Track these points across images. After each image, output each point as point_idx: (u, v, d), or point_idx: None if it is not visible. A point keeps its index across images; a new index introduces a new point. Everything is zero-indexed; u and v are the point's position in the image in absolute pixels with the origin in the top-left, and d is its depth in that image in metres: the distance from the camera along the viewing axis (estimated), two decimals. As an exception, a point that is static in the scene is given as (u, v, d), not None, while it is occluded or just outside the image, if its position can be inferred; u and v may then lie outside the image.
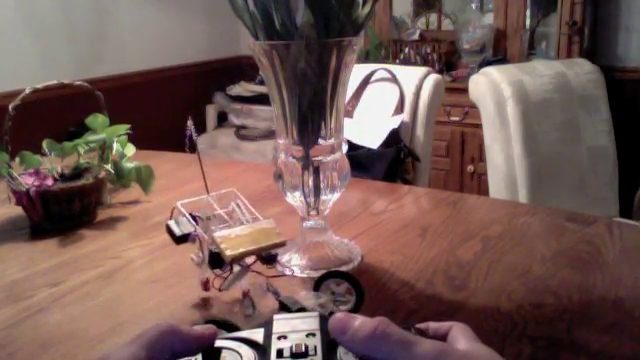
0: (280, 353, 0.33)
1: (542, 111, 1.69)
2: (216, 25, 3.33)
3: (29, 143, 0.98)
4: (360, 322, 0.33)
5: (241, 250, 0.60)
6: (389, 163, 1.54)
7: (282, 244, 0.63)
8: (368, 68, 1.74)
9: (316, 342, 0.33)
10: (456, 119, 2.59)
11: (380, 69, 1.73)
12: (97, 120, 0.99)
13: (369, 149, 1.58)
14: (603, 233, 0.82)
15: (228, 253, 0.59)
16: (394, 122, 1.61)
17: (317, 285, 0.56)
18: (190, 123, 0.67)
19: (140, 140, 1.07)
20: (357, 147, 1.57)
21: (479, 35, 2.73)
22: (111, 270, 0.76)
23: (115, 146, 1.01)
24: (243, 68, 3.32)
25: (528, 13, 2.70)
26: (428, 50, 2.86)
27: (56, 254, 0.82)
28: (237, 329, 0.39)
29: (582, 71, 1.81)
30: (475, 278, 0.70)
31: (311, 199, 0.73)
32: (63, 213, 0.90)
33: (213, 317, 0.44)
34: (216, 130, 3.25)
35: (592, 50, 2.58)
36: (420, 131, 1.66)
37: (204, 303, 0.66)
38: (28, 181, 0.90)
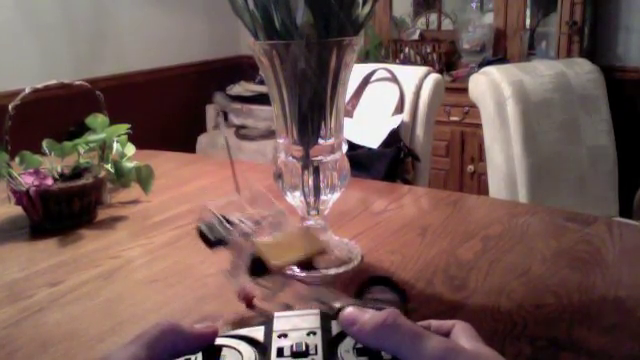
0: (280, 352, 0.33)
1: (542, 111, 1.69)
2: (216, 25, 3.33)
3: (29, 143, 0.98)
4: (370, 315, 0.33)
5: (286, 259, 0.57)
6: (389, 163, 1.54)
7: (324, 251, 0.61)
8: (368, 68, 1.74)
9: (317, 341, 0.33)
10: (456, 119, 2.59)
11: (380, 69, 1.73)
12: (97, 120, 0.99)
13: (369, 149, 1.58)
14: (603, 233, 0.82)
15: (274, 263, 0.56)
16: (394, 122, 1.61)
17: (359, 292, 0.54)
18: (223, 127, 0.62)
19: (140, 140, 1.07)
20: (357, 147, 1.57)
21: (479, 35, 2.74)
22: (111, 270, 0.76)
23: (115, 146, 1.01)
24: (243, 68, 3.32)
25: (528, 13, 2.70)
26: (428, 50, 2.86)
27: (56, 254, 0.82)
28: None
29: (582, 71, 1.81)
30: (475, 278, 0.70)
31: (311, 199, 0.73)
32: (63, 213, 0.90)
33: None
34: (216, 130, 3.25)
35: (592, 50, 2.58)
36: (420, 131, 1.66)
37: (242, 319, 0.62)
38: (28, 181, 0.90)
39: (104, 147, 0.99)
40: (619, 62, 2.60)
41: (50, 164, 0.94)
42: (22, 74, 2.38)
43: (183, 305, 0.66)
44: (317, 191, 0.72)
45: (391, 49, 2.94)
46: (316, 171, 0.71)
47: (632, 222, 1.51)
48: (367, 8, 0.67)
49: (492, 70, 1.73)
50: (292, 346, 0.33)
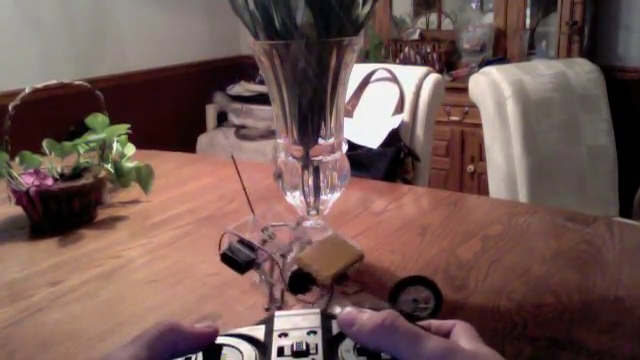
0: (281, 351, 0.33)
1: (542, 111, 1.69)
2: (216, 25, 3.33)
3: (29, 143, 0.98)
4: (368, 315, 0.33)
5: (336, 269, 0.55)
6: (389, 163, 1.54)
7: (362, 257, 0.60)
8: (368, 68, 1.74)
9: (317, 340, 0.33)
10: (456, 119, 2.59)
11: (380, 69, 1.73)
12: (97, 120, 0.99)
13: (369, 149, 1.58)
14: (603, 233, 0.82)
15: (326, 274, 0.54)
16: (394, 122, 1.61)
17: (395, 293, 0.53)
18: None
19: (140, 140, 1.07)
20: (357, 147, 1.57)
21: (479, 35, 2.73)
22: (111, 270, 0.76)
23: (115, 146, 1.01)
24: (243, 68, 3.31)
25: (528, 13, 2.70)
26: (428, 50, 2.85)
27: (56, 254, 0.82)
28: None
29: (582, 71, 1.81)
30: (475, 278, 0.70)
31: (311, 199, 0.73)
32: (63, 213, 0.90)
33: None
34: (216, 130, 3.25)
35: (592, 50, 2.58)
36: (420, 131, 1.66)
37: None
38: (28, 181, 0.90)
39: (104, 147, 0.99)
40: (619, 62, 2.60)
41: (50, 164, 0.94)
42: (22, 74, 2.38)
43: (183, 305, 0.66)
44: (317, 191, 0.72)
45: (391, 49, 2.94)
46: (316, 171, 0.71)
47: (632, 222, 1.51)
48: (367, 8, 0.67)
49: (492, 70, 1.73)
50: (292, 345, 0.33)
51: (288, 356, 0.32)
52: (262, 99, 2.90)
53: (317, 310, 0.37)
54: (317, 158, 0.71)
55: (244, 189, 0.62)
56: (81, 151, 0.97)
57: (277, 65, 0.66)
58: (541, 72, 1.76)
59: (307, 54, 0.64)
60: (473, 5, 2.98)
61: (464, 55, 2.81)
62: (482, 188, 2.43)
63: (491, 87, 1.68)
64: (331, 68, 0.67)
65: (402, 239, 0.83)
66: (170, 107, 3.16)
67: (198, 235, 0.87)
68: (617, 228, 0.84)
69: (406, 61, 2.86)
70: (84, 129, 1.00)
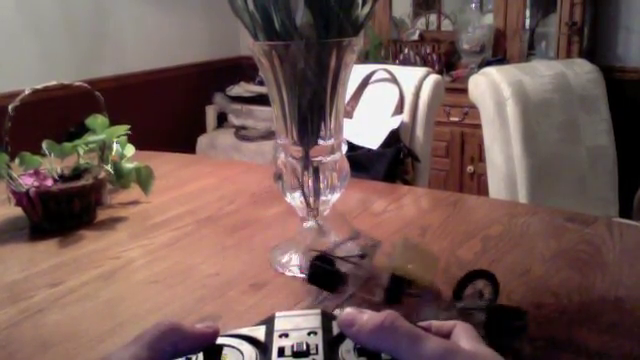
0: (281, 351, 0.33)
1: (542, 111, 1.69)
2: (216, 25, 3.33)
3: (29, 144, 0.98)
4: (368, 316, 0.33)
5: (430, 275, 0.56)
6: (389, 163, 1.54)
7: (437, 259, 0.61)
8: (368, 68, 1.74)
9: (317, 340, 0.33)
10: (456, 119, 2.59)
11: (380, 69, 1.73)
12: (97, 121, 0.99)
13: (369, 149, 1.58)
14: (603, 233, 0.82)
15: (429, 279, 0.55)
16: (394, 122, 1.61)
17: (460, 289, 0.54)
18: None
19: (140, 141, 1.07)
20: (357, 147, 1.57)
21: (479, 35, 2.74)
22: (111, 270, 0.76)
23: (115, 147, 1.01)
24: (243, 68, 3.32)
25: (528, 13, 2.70)
26: (428, 50, 2.86)
27: (56, 254, 0.82)
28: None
29: (582, 71, 1.81)
30: (475, 278, 0.70)
31: (311, 200, 0.73)
32: (63, 214, 0.90)
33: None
34: (216, 130, 3.25)
35: (592, 50, 2.58)
36: (420, 131, 1.66)
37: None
38: (28, 182, 0.90)
39: (104, 148, 0.99)
40: (619, 62, 2.61)
41: (50, 165, 0.94)
42: (22, 75, 2.38)
43: (183, 306, 0.66)
44: (317, 192, 0.72)
45: (391, 50, 2.94)
46: (316, 172, 0.71)
47: (632, 222, 1.51)
48: (367, 8, 0.67)
49: (492, 70, 1.73)
50: (293, 346, 0.33)
51: (288, 356, 0.32)
52: (262, 100, 2.90)
53: (317, 311, 0.37)
54: (317, 159, 0.71)
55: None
56: (81, 152, 0.97)
57: (277, 66, 0.66)
58: (541, 73, 1.76)
59: (307, 55, 0.64)
60: (473, 6, 2.98)
61: (464, 56, 2.81)
62: (482, 189, 2.43)
63: (491, 88, 1.68)
64: (331, 69, 0.67)
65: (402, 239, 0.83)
66: (170, 108, 3.16)
67: (198, 236, 0.87)
68: (617, 228, 0.84)
69: (406, 62, 2.86)
70: (84, 130, 1.00)
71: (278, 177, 0.73)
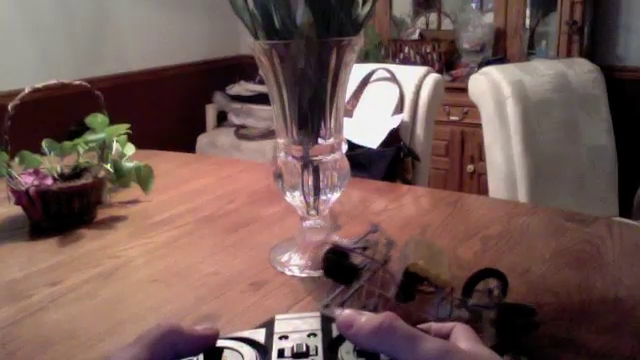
0: (281, 353, 0.33)
1: (542, 111, 1.69)
2: (216, 24, 3.33)
3: (29, 142, 0.98)
4: (367, 317, 0.33)
5: (446, 273, 0.55)
6: (389, 163, 1.54)
7: (446, 258, 0.61)
8: (368, 68, 1.74)
9: (317, 342, 0.33)
10: (456, 119, 2.59)
11: (380, 69, 1.73)
12: (97, 119, 0.99)
13: (369, 149, 1.58)
14: (603, 233, 0.82)
15: (445, 278, 0.54)
16: (394, 122, 1.61)
17: (469, 288, 0.54)
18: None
19: (140, 139, 1.07)
20: (357, 147, 1.57)
21: (479, 35, 2.73)
22: (111, 269, 0.76)
23: (115, 145, 1.01)
24: (243, 67, 3.31)
25: (528, 12, 2.70)
26: (428, 50, 2.85)
27: (55, 253, 0.82)
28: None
29: (582, 70, 1.81)
30: (475, 278, 0.70)
31: (311, 199, 0.73)
32: (62, 212, 0.90)
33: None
34: (216, 129, 3.25)
35: (592, 49, 2.58)
36: (420, 131, 1.66)
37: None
38: (27, 180, 0.90)
39: (104, 147, 0.99)
40: (619, 62, 2.60)
41: (50, 164, 0.94)
42: (21, 74, 2.38)
43: (183, 305, 0.66)
44: (317, 191, 0.72)
45: (391, 49, 2.94)
46: (316, 171, 0.71)
47: (632, 222, 1.51)
48: (367, 8, 0.67)
49: (492, 70, 1.73)
50: (293, 347, 0.33)
51: (288, 358, 0.32)
52: (262, 99, 2.90)
53: (317, 313, 0.37)
54: (317, 158, 0.71)
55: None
56: (81, 151, 0.97)
57: (277, 65, 0.66)
58: (541, 72, 1.76)
59: (307, 54, 0.64)
60: (473, 5, 2.98)
61: (464, 55, 2.81)
62: (482, 188, 2.43)
63: (491, 87, 1.68)
64: (331, 68, 0.67)
65: (402, 239, 0.82)
66: (170, 107, 3.16)
67: (198, 235, 0.87)
68: (617, 228, 0.84)
69: (406, 61, 2.86)
70: (84, 129, 1.00)
71: (278, 176, 0.73)
